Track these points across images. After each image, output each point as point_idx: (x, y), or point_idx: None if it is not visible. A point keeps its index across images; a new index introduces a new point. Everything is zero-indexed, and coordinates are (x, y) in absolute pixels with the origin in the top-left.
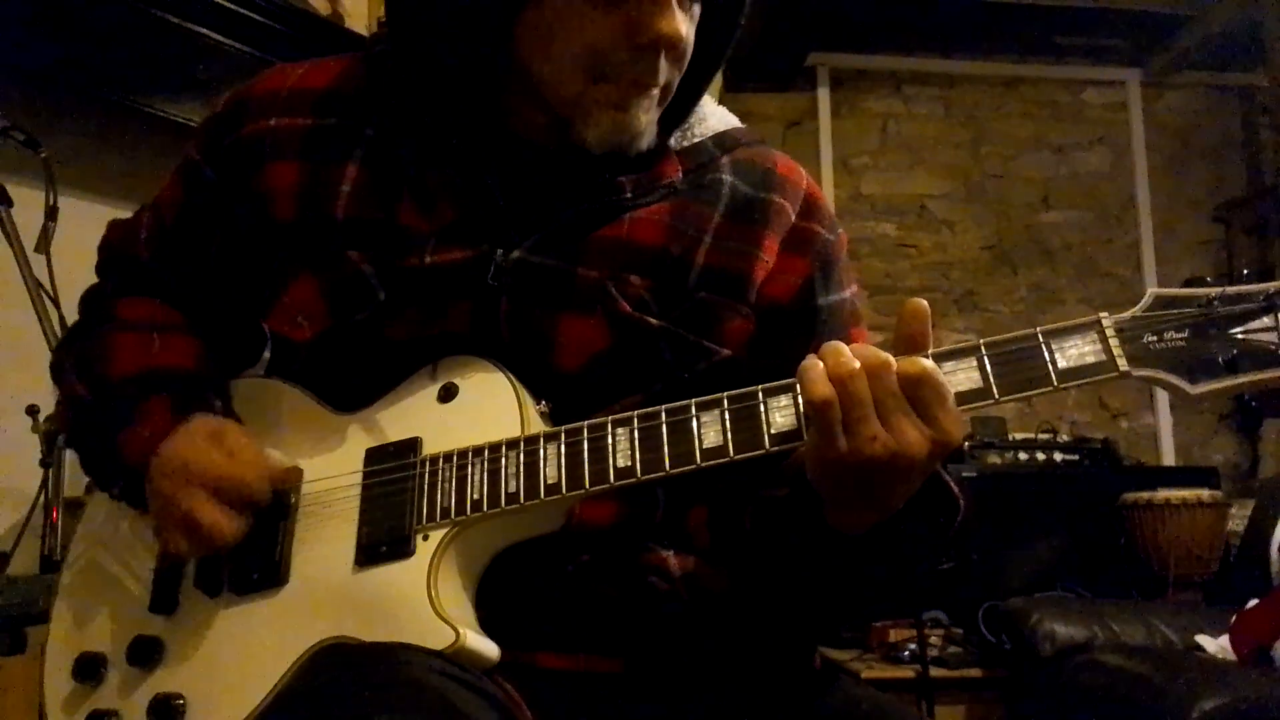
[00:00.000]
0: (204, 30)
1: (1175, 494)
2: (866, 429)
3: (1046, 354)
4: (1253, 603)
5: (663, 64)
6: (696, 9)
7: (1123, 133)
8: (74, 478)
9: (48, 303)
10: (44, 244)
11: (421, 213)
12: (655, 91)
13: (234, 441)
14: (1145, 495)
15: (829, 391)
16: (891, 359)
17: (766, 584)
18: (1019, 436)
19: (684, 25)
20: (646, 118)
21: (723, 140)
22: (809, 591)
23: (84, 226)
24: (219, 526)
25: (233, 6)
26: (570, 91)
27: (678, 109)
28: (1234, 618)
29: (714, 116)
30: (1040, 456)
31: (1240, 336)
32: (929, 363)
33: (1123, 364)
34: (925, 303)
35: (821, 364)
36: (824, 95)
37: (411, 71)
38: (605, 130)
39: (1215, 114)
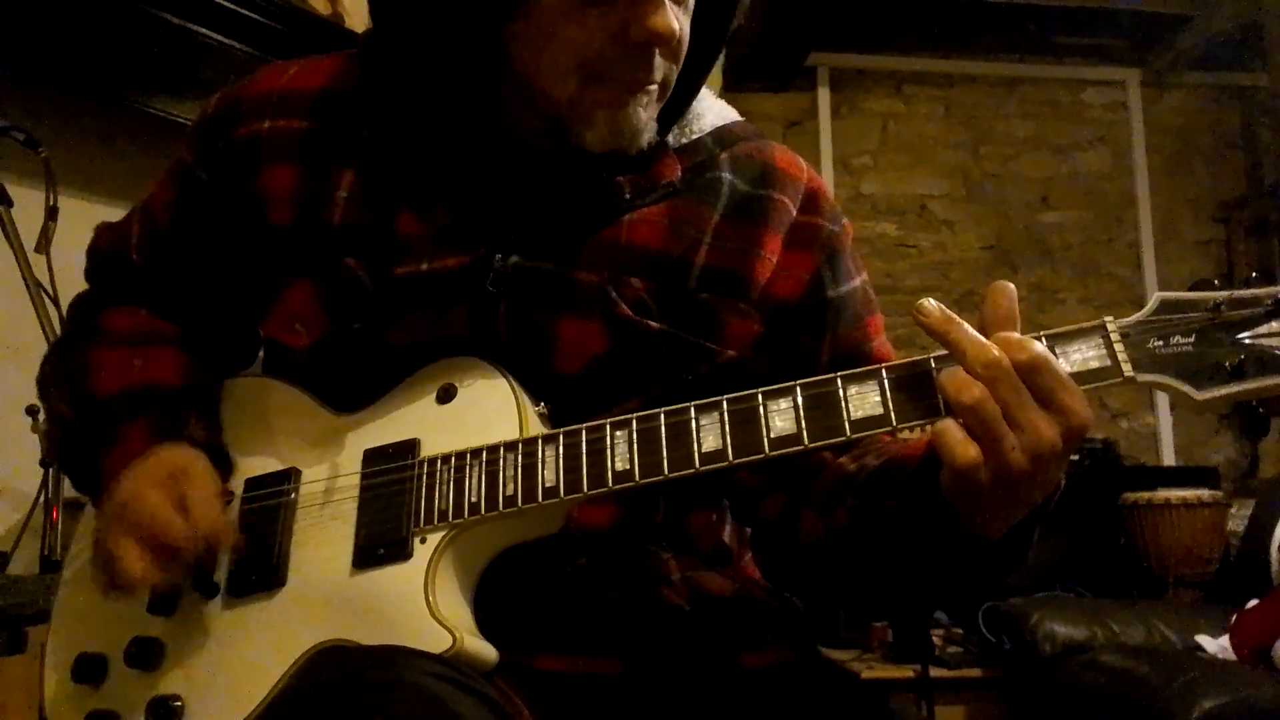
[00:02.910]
0: (204, 31)
1: (1175, 494)
2: (1004, 444)
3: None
4: (1253, 603)
5: (658, 60)
6: (691, 2)
7: (1123, 133)
8: None
9: (48, 303)
10: (44, 244)
11: (418, 218)
12: (653, 88)
13: (189, 486)
14: (1145, 495)
15: (975, 454)
16: (1003, 357)
17: (860, 585)
18: None
19: (677, 19)
20: (646, 115)
21: (721, 136)
22: (927, 588)
23: (84, 226)
24: (133, 575)
25: (233, 7)
26: (566, 95)
27: (675, 104)
28: (1234, 618)
29: (712, 112)
30: None
31: (1247, 341)
32: (1038, 345)
33: (1128, 369)
34: (1010, 285)
35: (956, 428)
36: (824, 95)
37: (403, 78)
38: (604, 131)
39: (1215, 114)
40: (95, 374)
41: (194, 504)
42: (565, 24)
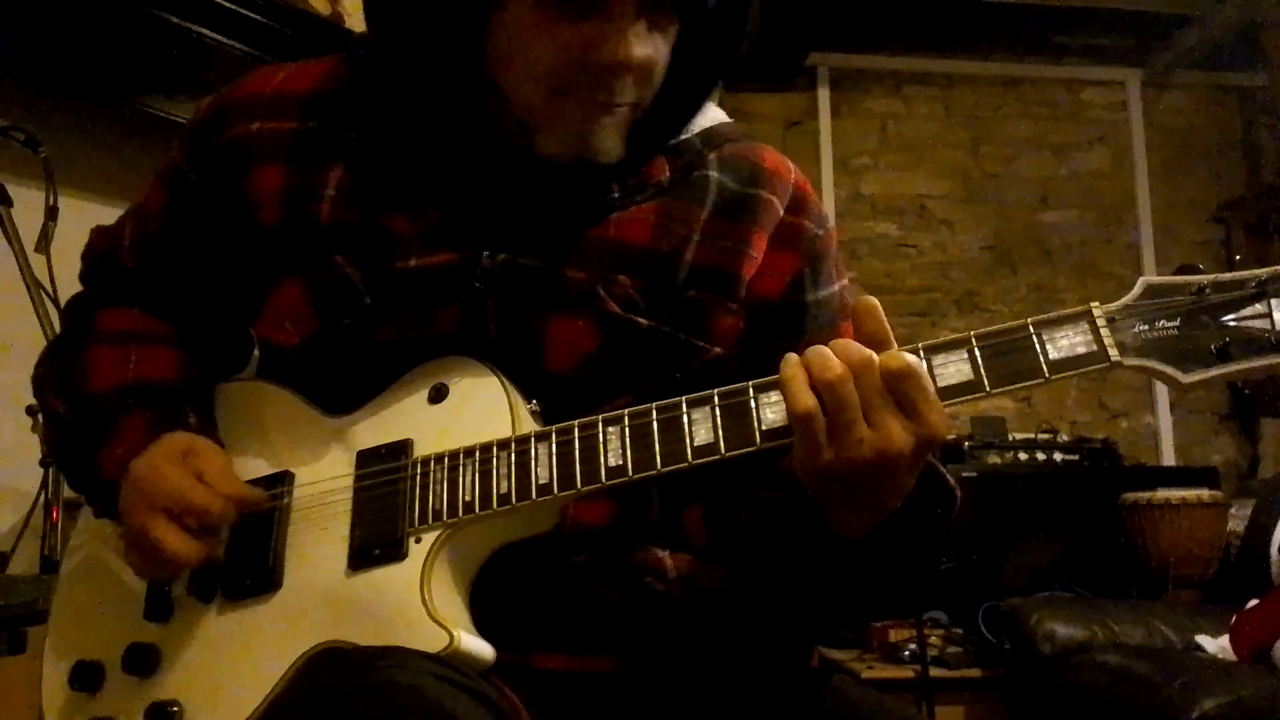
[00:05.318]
0: (204, 31)
1: (1175, 494)
2: (854, 433)
3: (1038, 345)
4: (1253, 603)
5: (626, 85)
6: (673, 29)
7: (1123, 133)
8: None
9: (48, 303)
10: (44, 244)
11: (406, 215)
12: (620, 110)
13: (203, 462)
14: (1145, 495)
15: (811, 403)
16: (874, 355)
17: (766, 584)
18: (1019, 436)
19: (649, 48)
20: (610, 135)
21: (710, 137)
22: (811, 592)
23: (84, 226)
24: (175, 550)
25: (233, 7)
26: (532, 102)
27: (673, 122)
28: (1234, 618)
29: (701, 113)
30: (1040, 456)
31: (1232, 324)
32: (910, 357)
33: (1114, 354)
34: (874, 299)
35: (804, 372)
36: (824, 95)
37: (393, 75)
38: (564, 144)
39: (1215, 114)
40: (90, 372)
41: (212, 475)
42: (535, 35)
